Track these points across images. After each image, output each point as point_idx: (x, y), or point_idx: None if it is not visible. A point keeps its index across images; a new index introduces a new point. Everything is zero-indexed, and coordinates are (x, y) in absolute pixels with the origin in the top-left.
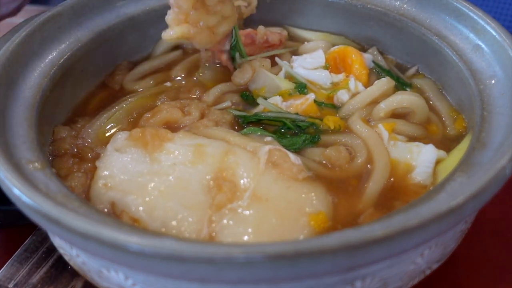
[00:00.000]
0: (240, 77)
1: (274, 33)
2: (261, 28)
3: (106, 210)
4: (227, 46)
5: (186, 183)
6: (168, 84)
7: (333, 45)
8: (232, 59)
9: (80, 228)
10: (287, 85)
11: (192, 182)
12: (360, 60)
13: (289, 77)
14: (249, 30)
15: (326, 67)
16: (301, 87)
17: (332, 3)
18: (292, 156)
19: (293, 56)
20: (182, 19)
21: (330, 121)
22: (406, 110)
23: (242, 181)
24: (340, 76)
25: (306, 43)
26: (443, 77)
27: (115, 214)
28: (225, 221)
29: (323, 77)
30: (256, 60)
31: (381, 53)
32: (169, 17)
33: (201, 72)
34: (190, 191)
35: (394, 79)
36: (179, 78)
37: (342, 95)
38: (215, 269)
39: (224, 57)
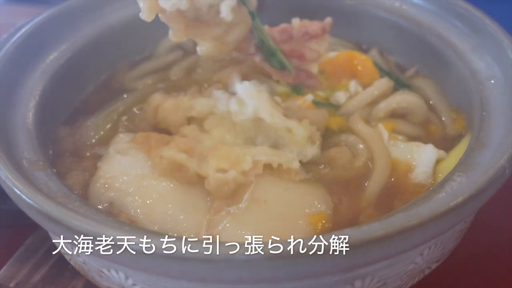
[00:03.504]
0: None
1: (315, 23)
2: (295, 21)
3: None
4: (252, 49)
5: (185, 186)
6: (167, 83)
7: (332, 47)
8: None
9: (81, 227)
10: (282, 88)
11: (191, 185)
12: (370, 67)
13: None
14: (283, 25)
15: (320, 73)
16: (297, 89)
17: (332, 5)
18: (290, 158)
19: None
20: (181, 35)
21: (333, 122)
22: (405, 110)
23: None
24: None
25: None
26: (443, 77)
27: (112, 214)
28: (223, 224)
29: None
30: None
31: (381, 54)
32: (170, 34)
33: (200, 71)
34: (189, 195)
35: (393, 80)
36: (178, 77)
37: (339, 97)
38: (215, 269)
39: (257, 59)
